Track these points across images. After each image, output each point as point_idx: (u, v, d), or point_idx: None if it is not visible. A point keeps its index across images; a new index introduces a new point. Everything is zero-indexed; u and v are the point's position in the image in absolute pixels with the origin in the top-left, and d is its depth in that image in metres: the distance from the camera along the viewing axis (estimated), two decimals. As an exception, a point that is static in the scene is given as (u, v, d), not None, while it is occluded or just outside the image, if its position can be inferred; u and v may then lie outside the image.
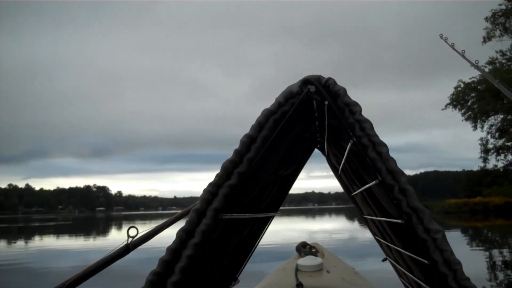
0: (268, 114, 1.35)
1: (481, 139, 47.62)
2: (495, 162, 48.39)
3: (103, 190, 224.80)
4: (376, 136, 1.28)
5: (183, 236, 1.19)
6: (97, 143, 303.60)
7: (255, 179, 1.44)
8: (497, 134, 46.40)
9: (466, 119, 45.68)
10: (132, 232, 1.55)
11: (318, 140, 1.96)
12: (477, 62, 3.70)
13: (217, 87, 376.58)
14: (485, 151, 48.23)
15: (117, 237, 24.44)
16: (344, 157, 1.53)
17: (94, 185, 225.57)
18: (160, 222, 1.69)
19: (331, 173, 2.31)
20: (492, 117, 44.99)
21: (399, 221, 1.26)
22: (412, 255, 1.38)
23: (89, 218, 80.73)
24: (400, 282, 2.13)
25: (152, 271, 1.16)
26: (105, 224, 47.40)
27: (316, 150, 2.13)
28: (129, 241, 1.56)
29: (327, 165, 2.25)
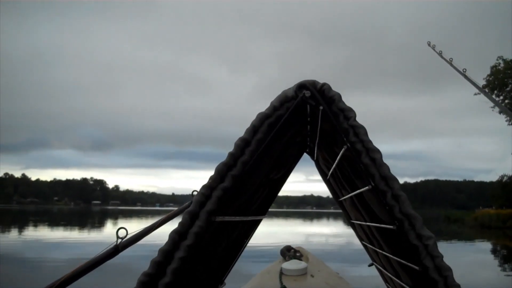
0: (263, 118, 1.36)
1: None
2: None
3: (100, 183, 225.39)
4: (370, 142, 1.28)
5: (175, 238, 1.19)
6: (97, 136, 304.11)
7: (248, 182, 1.43)
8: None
9: (501, 112, 34.73)
10: (122, 233, 1.53)
11: (308, 144, 1.95)
12: (464, 70, 3.58)
13: (220, 85, 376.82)
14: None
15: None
16: (336, 162, 1.54)
17: (91, 178, 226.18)
18: (156, 218, 1.68)
19: (330, 177, 2.24)
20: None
21: (391, 226, 1.26)
22: (402, 261, 1.37)
23: (82, 212, 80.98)
24: (385, 287, 2.10)
25: (143, 272, 1.16)
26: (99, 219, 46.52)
27: (305, 154, 2.09)
28: (118, 242, 1.53)
29: None
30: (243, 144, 1.33)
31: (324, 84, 1.40)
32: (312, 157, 2.13)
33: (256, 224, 2.25)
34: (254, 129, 1.35)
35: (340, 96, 1.37)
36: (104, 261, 1.54)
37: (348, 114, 1.34)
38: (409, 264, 1.31)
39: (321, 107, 1.37)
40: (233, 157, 1.31)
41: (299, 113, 1.47)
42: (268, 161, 1.56)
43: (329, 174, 1.98)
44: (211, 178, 1.29)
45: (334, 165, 1.65)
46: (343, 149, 1.35)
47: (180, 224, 1.23)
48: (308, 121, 1.61)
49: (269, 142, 1.36)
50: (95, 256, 1.53)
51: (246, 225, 1.97)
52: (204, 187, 1.27)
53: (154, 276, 1.16)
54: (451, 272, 1.18)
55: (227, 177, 1.27)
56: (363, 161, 1.28)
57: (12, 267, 10.73)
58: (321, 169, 2.19)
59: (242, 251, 2.24)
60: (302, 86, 1.39)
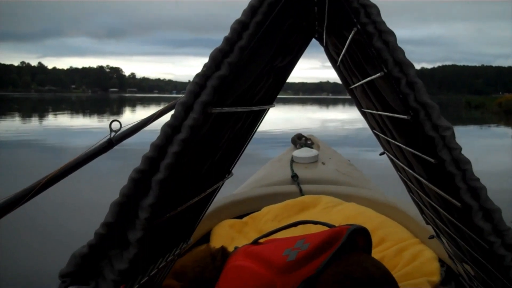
0: None
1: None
2: None
3: (116, 71, 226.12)
4: (383, 23, 1.13)
5: (168, 132, 1.05)
6: (111, 24, 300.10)
7: (248, 69, 1.30)
8: None
9: None
10: (115, 126, 1.51)
11: (316, 29, 1.81)
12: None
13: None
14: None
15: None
16: (345, 47, 1.42)
17: (107, 65, 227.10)
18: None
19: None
20: None
21: (405, 116, 1.16)
22: (416, 152, 1.30)
23: (100, 99, 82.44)
24: (396, 176, 2.05)
25: (135, 169, 1.02)
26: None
27: (314, 40, 1.93)
28: (111, 136, 1.52)
29: None
30: (240, 27, 1.17)
31: None
32: (321, 43, 2.01)
33: (262, 114, 2.12)
34: (253, 9, 1.18)
35: None
36: (97, 156, 1.52)
37: None
38: (423, 156, 1.24)
39: None
40: (229, 42, 1.15)
41: None
42: (270, 47, 1.45)
43: (338, 61, 1.88)
44: (205, 65, 1.14)
45: (343, 51, 1.55)
46: (352, 32, 1.23)
47: (173, 116, 1.10)
48: (315, 3, 1.50)
49: (270, 25, 1.21)
50: (87, 150, 1.50)
51: (251, 115, 1.88)
52: (197, 75, 1.12)
53: (147, 172, 1.07)
54: (470, 166, 1.08)
55: (223, 64, 1.12)
56: (375, 45, 1.15)
57: (34, 153, 11.21)
58: (331, 55, 2.06)
59: (249, 141, 2.13)
60: None
